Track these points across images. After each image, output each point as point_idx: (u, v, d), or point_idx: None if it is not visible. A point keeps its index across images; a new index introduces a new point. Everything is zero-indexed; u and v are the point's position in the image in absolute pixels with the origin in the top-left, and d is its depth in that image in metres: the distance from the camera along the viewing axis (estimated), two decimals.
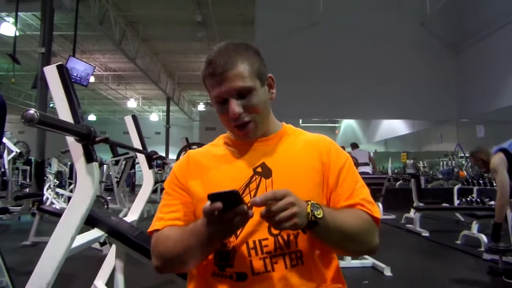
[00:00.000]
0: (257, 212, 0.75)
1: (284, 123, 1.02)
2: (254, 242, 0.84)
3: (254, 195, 0.86)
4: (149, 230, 0.93)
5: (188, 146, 5.73)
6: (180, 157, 4.85)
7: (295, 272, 0.83)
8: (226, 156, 0.96)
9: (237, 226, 0.74)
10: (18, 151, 7.29)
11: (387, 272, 3.14)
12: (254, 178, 0.90)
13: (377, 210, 0.90)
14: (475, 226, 4.29)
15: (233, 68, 0.84)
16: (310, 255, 0.86)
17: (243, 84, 0.85)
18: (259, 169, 0.91)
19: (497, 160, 3.06)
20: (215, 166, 0.94)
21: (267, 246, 0.84)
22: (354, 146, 8.38)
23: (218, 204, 0.69)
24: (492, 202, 5.36)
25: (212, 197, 0.69)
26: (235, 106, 0.85)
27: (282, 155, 0.93)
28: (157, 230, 0.91)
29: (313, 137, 0.99)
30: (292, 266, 0.84)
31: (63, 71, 1.36)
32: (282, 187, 0.78)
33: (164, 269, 0.90)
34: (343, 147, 1.05)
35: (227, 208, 0.70)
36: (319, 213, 0.76)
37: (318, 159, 0.92)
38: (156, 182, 8.48)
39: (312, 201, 0.78)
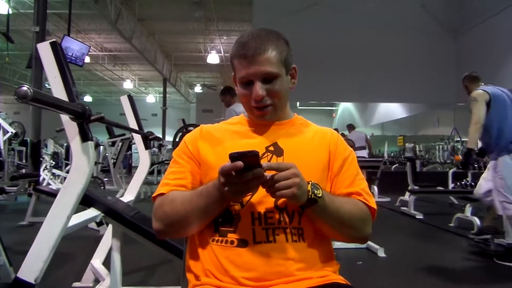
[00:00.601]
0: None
1: (296, 114, 1.07)
2: (259, 213, 0.86)
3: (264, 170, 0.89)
4: (153, 195, 0.95)
5: (185, 127, 5.70)
6: (177, 139, 4.79)
7: (295, 247, 0.86)
8: (240, 132, 1.00)
9: (251, 188, 0.78)
10: (14, 131, 7.23)
11: (381, 253, 3.19)
12: (266, 155, 0.93)
13: (374, 201, 0.96)
14: (468, 209, 4.35)
15: (264, 53, 0.89)
16: (311, 234, 0.89)
17: (270, 69, 0.90)
18: (271, 148, 0.95)
19: (480, 92, 3.12)
20: (229, 139, 0.97)
21: (272, 218, 0.86)
22: (351, 127, 8.39)
23: (239, 163, 0.72)
24: None
25: (234, 156, 0.72)
26: (259, 89, 0.90)
27: (294, 138, 0.98)
28: (162, 194, 0.93)
29: (322, 128, 1.05)
30: (293, 241, 0.86)
31: (57, 48, 1.33)
32: None
33: (165, 232, 0.92)
34: (336, 129, 1.10)
35: (246, 169, 0.73)
36: (318, 192, 0.82)
37: (327, 147, 0.98)
38: (152, 164, 8.49)
39: (312, 181, 0.83)
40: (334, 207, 0.85)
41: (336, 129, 9.21)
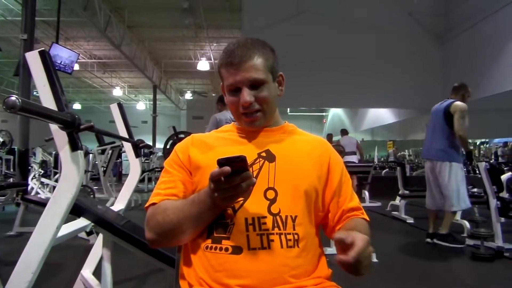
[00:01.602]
0: (259, 191, 0.86)
1: (286, 121, 1.08)
2: (253, 218, 0.87)
3: (257, 176, 0.90)
4: (146, 205, 0.95)
5: (176, 134, 5.68)
6: (167, 146, 4.76)
7: (290, 253, 0.85)
8: (231, 139, 1.01)
9: (241, 192, 0.78)
10: (1, 140, 7.14)
11: (373, 258, 3.19)
12: (258, 161, 0.94)
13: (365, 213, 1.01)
14: (458, 213, 4.39)
15: (249, 60, 0.91)
16: (305, 240, 0.89)
17: (256, 75, 0.92)
18: (263, 154, 0.96)
19: (466, 108, 3.56)
20: (220, 145, 0.98)
21: (265, 224, 0.86)
22: (344, 132, 8.43)
23: (227, 169, 0.73)
24: (475, 189, 5.48)
25: (221, 162, 0.74)
26: (247, 95, 0.92)
27: (286, 145, 0.99)
28: (154, 204, 0.93)
29: (313, 136, 1.07)
30: (288, 247, 0.86)
31: (45, 57, 1.32)
32: (285, 172, 0.91)
33: (158, 242, 0.92)
34: (330, 134, 1.10)
35: (234, 174, 0.74)
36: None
37: (319, 155, 1.00)
38: (143, 172, 8.43)
39: None
40: None
41: (330, 134, 9.31)
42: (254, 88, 0.93)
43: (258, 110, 0.95)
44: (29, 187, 6.51)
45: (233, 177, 0.75)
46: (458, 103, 3.62)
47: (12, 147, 8.27)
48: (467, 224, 4.02)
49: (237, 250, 0.85)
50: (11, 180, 7.78)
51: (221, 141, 1.00)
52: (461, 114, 3.50)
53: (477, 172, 3.64)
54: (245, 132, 1.01)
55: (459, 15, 8.61)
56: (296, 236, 0.87)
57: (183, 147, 1.00)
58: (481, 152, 14.92)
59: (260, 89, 0.93)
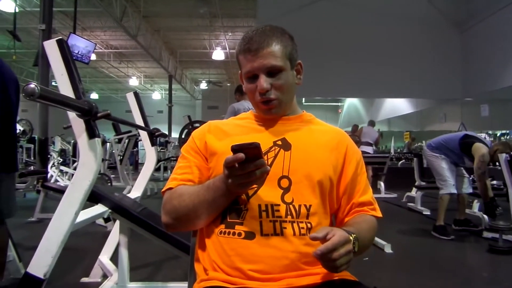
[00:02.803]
0: (273, 179, 0.87)
1: (304, 111, 1.08)
2: (266, 205, 0.87)
3: (271, 164, 0.90)
4: (163, 189, 0.97)
5: (191, 124, 5.71)
6: (183, 136, 4.79)
7: (302, 241, 0.85)
8: (248, 127, 1.01)
9: (254, 179, 0.78)
10: (22, 129, 7.30)
11: (388, 249, 3.18)
12: (273, 148, 0.94)
13: (378, 208, 1.00)
14: (476, 205, 4.32)
15: (267, 46, 0.91)
16: (318, 228, 0.87)
17: (274, 62, 0.91)
18: (279, 142, 0.95)
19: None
20: (237, 133, 0.98)
21: (279, 211, 0.87)
22: (371, 123, 8.33)
23: (241, 155, 0.73)
24: (494, 182, 5.37)
25: (235, 148, 0.74)
26: (264, 82, 0.91)
27: (302, 134, 0.98)
28: (171, 188, 0.94)
29: (331, 127, 1.06)
30: (301, 235, 0.86)
31: (63, 45, 1.34)
32: (300, 161, 0.91)
33: (174, 226, 0.93)
34: (356, 126, 1.10)
35: (248, 161, 0.74)
36: (355, 246, 0.80)
37: (336, 146, 0.98)
38: (159, 160, 8.52)
39: (353, 236, 0.80)
40: (361, 245, 0.83)
41: (355, 125, 9.15)
42: (272, 76, 0.92)
43: (275, 98, 0.94)
44: (49, 175, 6.67)
45: (247, 163, 0.75)
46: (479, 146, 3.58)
47: (32, 136, 8.46)
48: (485, 216, 3.95)
49: (250, 235, 0.85)
50: (31, 168, 7.98)
51: (238, 128, 1.00)
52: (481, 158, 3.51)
53: (497, 164, 3.55)
54: (263, 120, 1.01)
55: (480, 2, 8.32)
56: (309, 225, 0.87)
57: (200, 134, 1.01)
58: None
59: (277, 77, 0.93)
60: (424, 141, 14.96)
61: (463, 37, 9.03)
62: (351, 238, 0.78)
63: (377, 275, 2.67)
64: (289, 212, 0.87)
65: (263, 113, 0.99)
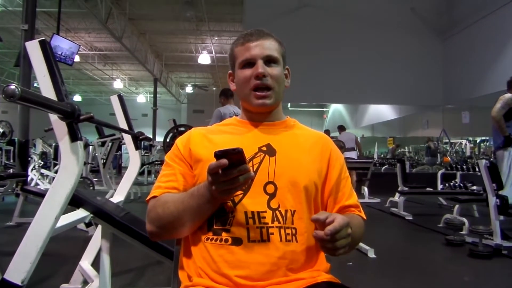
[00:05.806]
0: (258, 185, 0.87)
1: (288, 116, 1.09)
2: (252, 212, 0.87)
3: (256, 170, 0.91)
4: (147, 198, 0.95)
5: (176, 127, 5.66)
6: (167, 139, 4.74)
7: (289, 247, 0.86)
8: (232, 132, 1.01)
9: (239, 186, 0.78)
10: (1, 130, 7.13)
11: (371, 254, 3.21)
12: (258, 154, 0.94)
13: (363, 211, 1.02)
14: (456, 210, 4.40)
15: (267, 39, 0.98)
16: (304, 235, 0.89)
17: (272, 53, 0.97)
18: (264, 148, 0.96)
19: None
20: (221, 139, 0.98)
21: (265, 217, 0.87)
22: (341, 128, 8.42)
23: (224, 161, 0.73)
24: (474, 187, 5.49)
25: (218, 154, 0.74)
26: (261, 67, 0.94)
27: (287, 139, 0.99)
28: (155, 197, 0.93)
29: (315, 131, 1.08)
30: (287, 241, 0.86)
31: (46, 46, 1.31)
32: (285, 167, 0.91)
33: (159, 234, 0.92)
34: (327, 131, 1.12)
35: (232, 167, 0.74)
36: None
37: (320, 150, 1.00)
38: (142, 164, 8.42)
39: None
40: (353, 238, 0.84)
41: (327, 131, 9.30)
42: (268, 64, 0.96)
43: (271, 85, 0.96)
44: (29, 178, 6.52)
45: (230, 169, 0.74)
46: (507, 94, 3.92)
47: (12, 138, 8.26)
48: (465, 221, 4.03)
49: (236, 241, 0.85)
50: (11, 171, 7.78)
51: (222, 134, 1.00)
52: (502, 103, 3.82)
53: (477, 170, 3.63)
54: (247, 126, 1.02)
55: (461, 11, 8.55)
56: (294, 231, 0.87)
57: (184, 140, 1.00)
58: (481, 150, 14.88)
59: (273, 67, 0.96)
60: (406, 147, 15.21)
61: (445, 45, 9.24)
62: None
63: (360, 280, 2.69)
64: (275, 218, 0.87)
65: (255, 104, 0.97)
